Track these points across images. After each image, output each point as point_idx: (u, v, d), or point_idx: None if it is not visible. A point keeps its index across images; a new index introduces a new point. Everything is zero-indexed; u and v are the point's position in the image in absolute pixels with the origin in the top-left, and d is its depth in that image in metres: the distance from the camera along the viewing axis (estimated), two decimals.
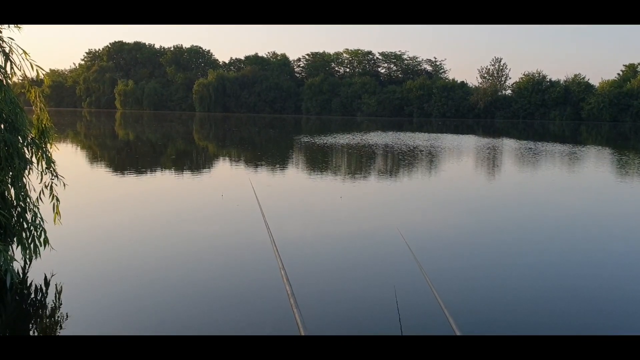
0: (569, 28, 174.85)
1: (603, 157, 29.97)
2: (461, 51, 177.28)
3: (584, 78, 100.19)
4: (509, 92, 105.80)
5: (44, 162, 7.94)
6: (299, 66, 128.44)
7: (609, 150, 33.82)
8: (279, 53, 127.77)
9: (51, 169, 8.02)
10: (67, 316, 6.39)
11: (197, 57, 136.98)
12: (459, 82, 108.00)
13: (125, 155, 27.87)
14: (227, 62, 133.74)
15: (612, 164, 26.60)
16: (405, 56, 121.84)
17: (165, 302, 6.89)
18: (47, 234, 7.71)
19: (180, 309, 6.66)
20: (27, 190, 7.62)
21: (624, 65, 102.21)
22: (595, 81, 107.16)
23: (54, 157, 8.17)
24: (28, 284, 7.33)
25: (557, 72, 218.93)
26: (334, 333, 5.99)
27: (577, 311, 6.83)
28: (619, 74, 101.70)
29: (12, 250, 7.56)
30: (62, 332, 5.97)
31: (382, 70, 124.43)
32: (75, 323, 6.19)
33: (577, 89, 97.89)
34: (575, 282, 7.94)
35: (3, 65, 7.45)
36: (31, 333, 6.10)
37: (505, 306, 6.98)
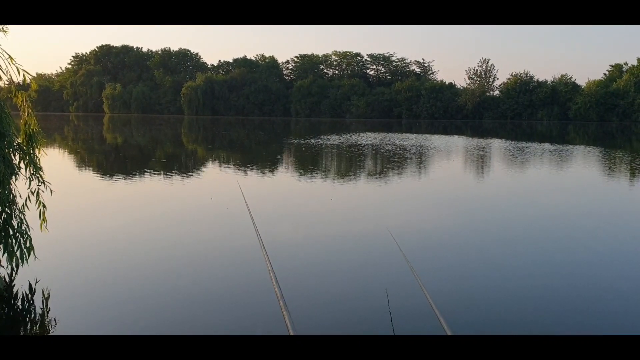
0: (556, 28, 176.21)
1: (592, 155, 30.19)
2: (449, 52, 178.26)
3: (570, 78, 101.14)
4: (496, 92, 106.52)
5: (31, 168, 7.85)
6: (287, 68, 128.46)
7: (597, 149, 34.08)
8: (267, 55, 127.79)
9: (38, 175, 7.94)
10: (55, 321, 6.33)
11: (185, 60, 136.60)
12: (447, 83, 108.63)
13: (113, 160, 27.71)
14: (215, 64, 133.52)
15: (601, 162, 26.80)
16: (393, 58, 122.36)
17: (154, 306, 6.84)
18: (32, 242, 7.61)
19: (169, 312, 6.62)
20: (13, 196, 7.54)
21: (610, 65, 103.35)
22: (582, 81, 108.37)
23: (41, 163, 8.09)
24: (16, 291, 7.26)
25: (544, 72, 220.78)
26: (324, 334, 5.97)
27: (568, 311, 6.86)
28: (605, 74, 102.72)
29: None
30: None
31: (371, 72, 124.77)
32: (63, 328, 6.13)
33: (564, 89, 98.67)
34: (566, 282, 7.97)
35: None
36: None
37: (496, 306, 7.00)
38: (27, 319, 6.58)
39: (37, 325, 6.35)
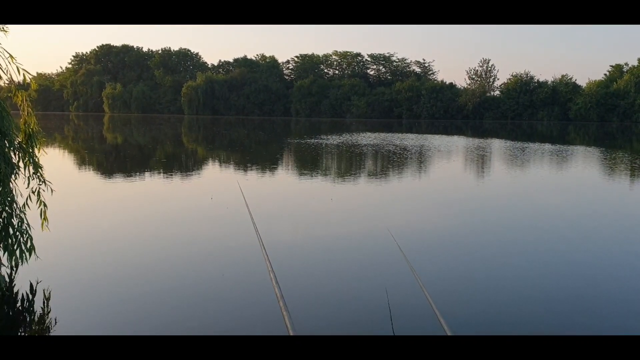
0: (556, 28, 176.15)
1: (592, 156, 30.18)
2: (449, 53, 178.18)
3: (571, 78, 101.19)
4: (497, 93, 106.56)
5: (31, 167, 7.85)
6: (288, 68, 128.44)
7: (598, 150, 34.07)
8: (267, 55, 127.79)
9: (38, 174, 7.94)
10: (55, 321, 6.33)
11: (186, 60, 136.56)
12: (447, 83, 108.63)
13: (113, 159, 27.72)
14: (215, 64, 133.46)
15: (602, 163, 26.79)
16: (394, 58, 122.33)
17: (154, 306, 6.84)
18: (33, 241, 7.61)
19: (169, 312, 6.62)
20: (13, 195, 7.53)
21: (610, 66, 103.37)
22: (582, 82, 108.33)
23: (41, 162, 8.08)
24: (16, 290, 7.25)
25: (545, 72, 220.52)
26: (324, 334, 5.97)
27: (568, 311, 6.86)
28: (605, 74, 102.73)
29: None
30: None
31: (371, 72, 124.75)
32: (63, 328, 6.13)
33: (564, 89, 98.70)
34: (566, 282, 7.97)
35: None
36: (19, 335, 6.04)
37: (496, 306, 7.00)
38: (28, 318, 6.58)
39: (38, 325, 6.35)
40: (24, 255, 7.47)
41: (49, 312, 6.62)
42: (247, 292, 7.38)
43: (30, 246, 7.54)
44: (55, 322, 6.31)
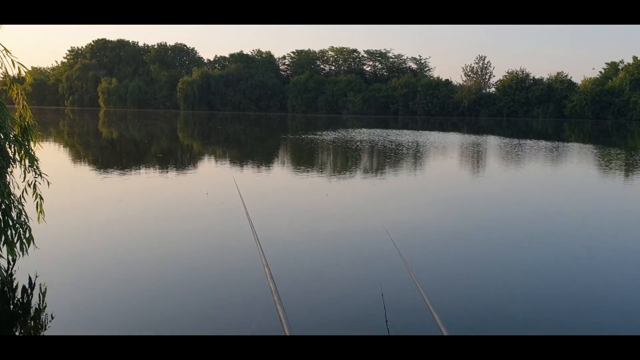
0: (552, 26, 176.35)
1: (588, 153, 30.26)
2: (446, 49, 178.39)
3: (566, 76, 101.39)
4: (492, 90, 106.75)
5: (27, 160, 7.81)
6: (284, 64, 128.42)
7: (593, 147, 34.14)
8: (264, 51, 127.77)
9: (34, 167, 7.91)
10: (51, 317, 6.32)
11: (182, 55, 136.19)
12: (443, 80, 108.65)
13: (109, 154, 27.64)
14: (211, 59, 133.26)
15: (598, 159, 26.86)
16: (390, 54, 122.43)
17: (149, 302, 6.84)
18: (32, 232, 7.60)
19: (164, 309, 6.61)
20: (10, 188, 7.51)
21: (605, 63, 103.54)
22: (577, 79, 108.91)
23: (37, 156, 8.06)
24: (12, 284, 7.24)
25: (540, 70, 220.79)
26: (318, 332, 5.98)
27: (565, 310, 6.88)
28: (600, 71, 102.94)
29: None
30: (46, 333, 5.91)
31: (368, 68, 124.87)
32: (59, 323, 6.12)
33: (559, 86, 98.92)
34: (563, 281, 7.99)
35: None
36: (16, 334, 6.03)
37: (492, 305, 7.01)
38: (24, 314, 6.56)
39: (34, 321, 6.34)
40: (24, 246, 7.46)
41: (44, 308, 6.61)
42: (242, 288, 7.38)
43: (28, 237, 7.53)
44: (52, 318, 6.29)
